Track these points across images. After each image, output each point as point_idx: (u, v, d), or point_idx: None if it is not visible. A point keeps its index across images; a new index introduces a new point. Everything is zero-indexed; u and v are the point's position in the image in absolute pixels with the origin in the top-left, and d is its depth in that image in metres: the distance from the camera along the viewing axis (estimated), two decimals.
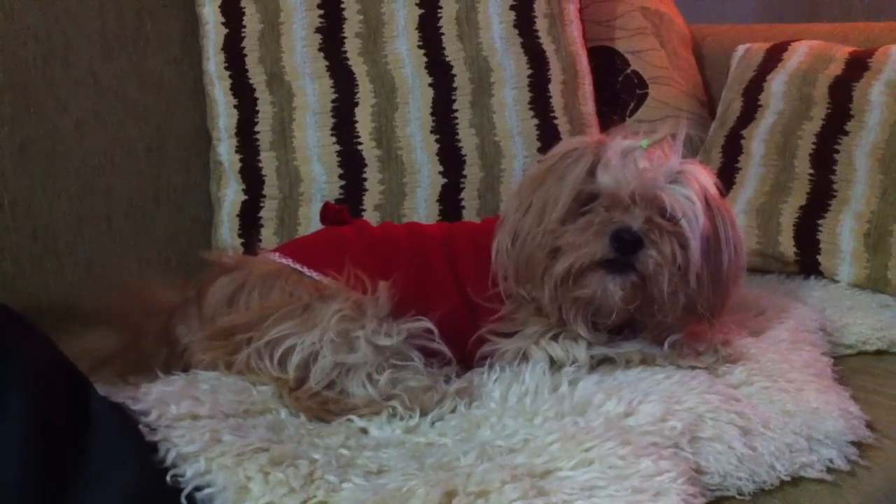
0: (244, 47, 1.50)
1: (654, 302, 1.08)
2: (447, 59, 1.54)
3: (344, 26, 1.52)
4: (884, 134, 1.49)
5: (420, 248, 1.16)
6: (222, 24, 1.50)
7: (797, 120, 1.59)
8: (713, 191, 1.12)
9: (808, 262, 1.53)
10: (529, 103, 1.57)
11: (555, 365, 1.10)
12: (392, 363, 1.04)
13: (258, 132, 1.50)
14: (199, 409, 0.94)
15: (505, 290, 1.12)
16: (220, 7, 1.50)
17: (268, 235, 1.50)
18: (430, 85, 1.54)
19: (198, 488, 0.85)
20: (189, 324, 1.11)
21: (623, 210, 1.07)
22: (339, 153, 1.50)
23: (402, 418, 1.01)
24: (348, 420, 1.01)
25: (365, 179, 1.51)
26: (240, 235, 1.50)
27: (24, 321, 0.84)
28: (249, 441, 0.89)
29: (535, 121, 1.57)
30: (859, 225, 1.48)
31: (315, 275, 1.10)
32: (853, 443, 1.05)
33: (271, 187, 1.51)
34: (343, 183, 1.50)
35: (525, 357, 1.11)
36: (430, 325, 1.06)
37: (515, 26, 1.58)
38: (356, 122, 1.51)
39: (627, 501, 0.84)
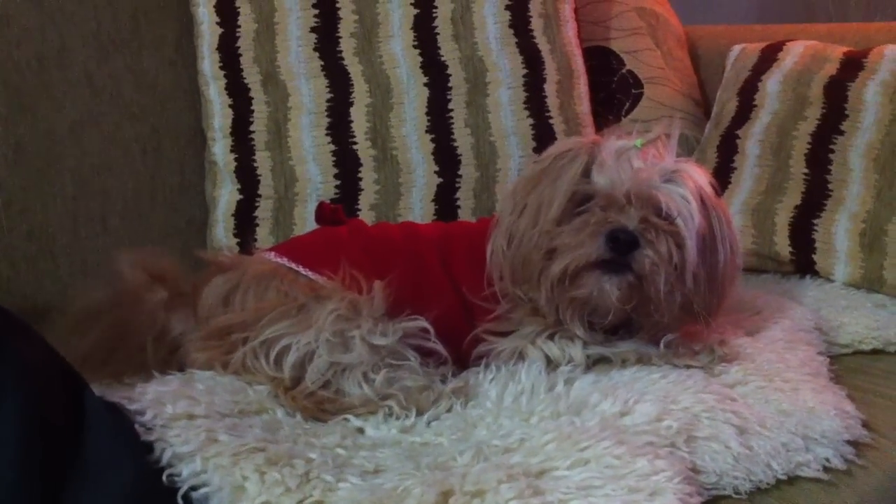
0: (239, 47, 1.50)
1: (651, 302, 1.07)
2: (442, 58, 1.54)
3: (339, 26, 1.52)
4: (879, 134, 1.49)
5: (415, 248, 1.16)
6: (217, 24, 1.50)
7: (792, 120, 1.59)
8: (708, 189, 1.11)
9: (803, 262, 1.53)
10: (525, 103, 1.57)
11: (551, 364, 1.10)
12: (388, 363, 1.04)
13: (253, 132, 1.50)
14: (195, 408, 0.94)
15: (500, 290, 1.12)
16: (214, 7, 1.50)
17: (263, 235, 1.50)
18: (425, 85, 1.54)
19: (194, 488, 0.85)
20: (183, 320, 1.11)
21: (618, 210, 1.07)
22: (335, 153, 1.50)
23: (398, 418, 1.01)
24: (344, 420, 1.01)
25: (360, 179, 1.51)
26: (235, 235, 1.50)
27: (20, 322, 0.84)
28: (245, 441, 0.89)
29: (531, 121, 1.57)
30: (854, 225, 1.48)
31: (311, 274, 1.10)
32: (849, 442, 1.05)
33: (266, 187, 1.50)
34: (338, 183, 1.50)
35: (521, 357, 1.11)
36: (425, 324, 1.06)
37: (510, 26, 1.57)
38: (351, 121, 1.51)
39: (623, 501, 0.84)
